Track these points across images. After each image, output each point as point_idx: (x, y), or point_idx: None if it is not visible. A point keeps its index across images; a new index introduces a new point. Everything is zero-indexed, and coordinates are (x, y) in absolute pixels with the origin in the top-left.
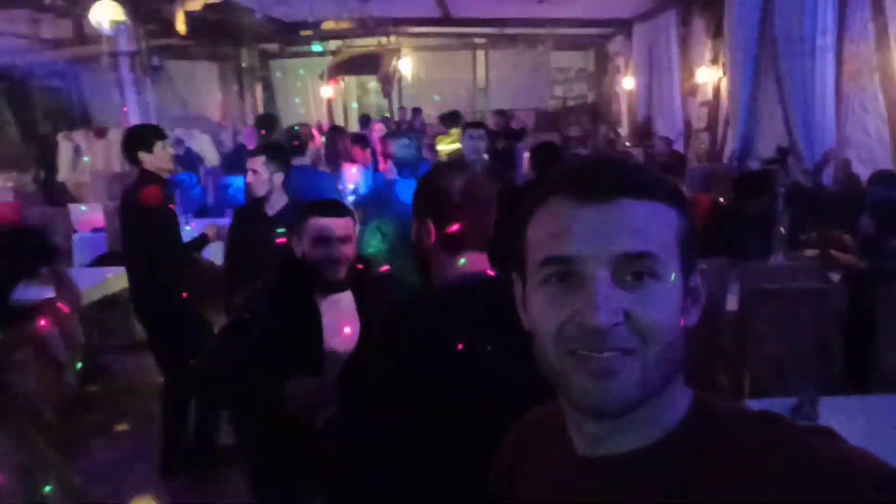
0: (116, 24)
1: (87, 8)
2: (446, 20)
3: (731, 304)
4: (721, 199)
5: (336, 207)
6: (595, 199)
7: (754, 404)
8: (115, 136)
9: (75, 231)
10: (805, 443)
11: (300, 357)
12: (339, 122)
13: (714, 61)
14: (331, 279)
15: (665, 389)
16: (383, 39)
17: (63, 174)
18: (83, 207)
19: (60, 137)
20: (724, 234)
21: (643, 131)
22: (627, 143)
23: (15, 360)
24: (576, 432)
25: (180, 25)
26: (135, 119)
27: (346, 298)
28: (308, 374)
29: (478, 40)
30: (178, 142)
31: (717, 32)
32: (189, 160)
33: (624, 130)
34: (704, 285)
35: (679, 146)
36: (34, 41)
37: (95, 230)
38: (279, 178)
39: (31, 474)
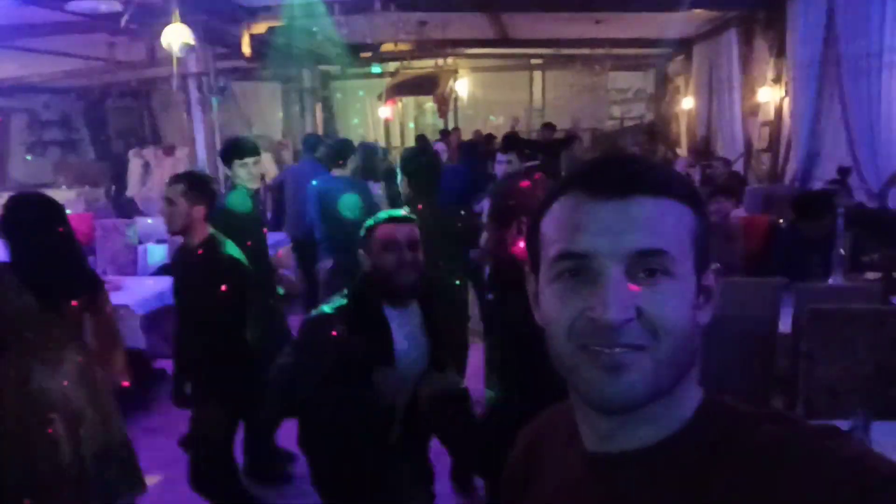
0: (185, 46)
1: (159, 32)
2: (503, 41)
3: (786, 325)
4: (781, 221)
5: (399, 215)
6: (610, 195)
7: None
8: (182, 154)
9: (140, 242)
10: (815, 441)
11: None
12: (396, 142)
13: (776, 80)
14: (403, 285)
15: (676, 387)
16: (440, 61)
17: (132, 189)
18: (149, 220)
19: (131, 154)
20: (782, 256)
21: (701, 151)
22: (682, 162)
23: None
24: (586, 428)
25: (245, 48)
26: (200, 138)
27: (415, 310)
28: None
29: (535, 61)
30: None
31: (779, 51)
32: None
33: (683, 151)
34: (720, 286)
35: (739, 167)
36: (110, 63)
37: (159, 241)
38: (199, 210)
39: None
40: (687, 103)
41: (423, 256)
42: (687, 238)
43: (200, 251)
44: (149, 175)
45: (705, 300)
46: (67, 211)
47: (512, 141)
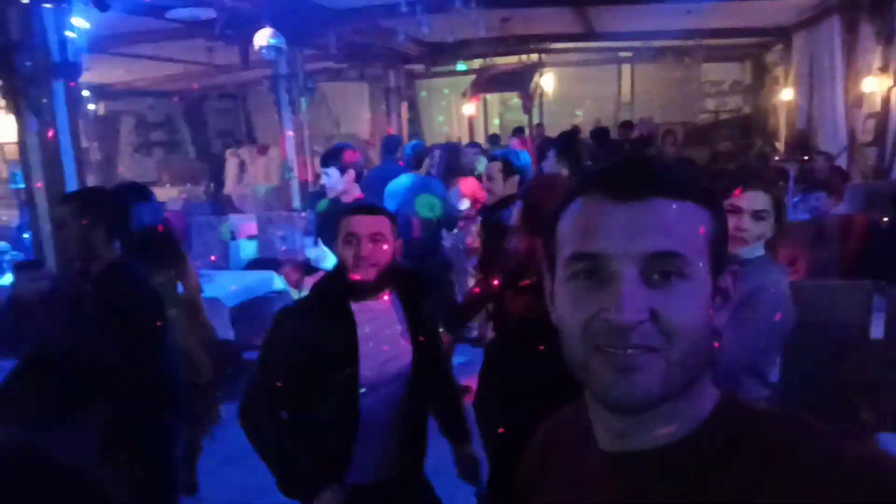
0: (275, 49)
1: (251, 36)
2: (589, 35)
3: (877, 331)
4: (885, 220)
5: (368, 206)
6: (626, 196)
7: (891, 438)
8: (275, 153)
9: (232, 238)
10: (829, 442)
11: (335, 362)
12: (480, 139)
13: (883, 69)
14: (359, 279)
15: (690, 387)
16: (525, 56)
17: (229, 187)
18: (242, 217)
19: (228, 154)
20: (880, 257)
21: (800, 145)
22: (777, 158)
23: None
24: (600, 427)
25: (332, 49)
26: (290, 137)
27: (383, 305)
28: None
29: (623, 54)
30: None
31: (888, 38)
32: None
33: (781, 145)
34: (737, 287)
35: (841, 161)
36: (209, 67)
37: (251, 237)
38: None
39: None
40: (786, 95)
41: (394, 250)
42: (703, 240)
43: (98, 282)
44: (244, 173)
45: (722, 302)
46: (168, 208)
47: (566, 144)
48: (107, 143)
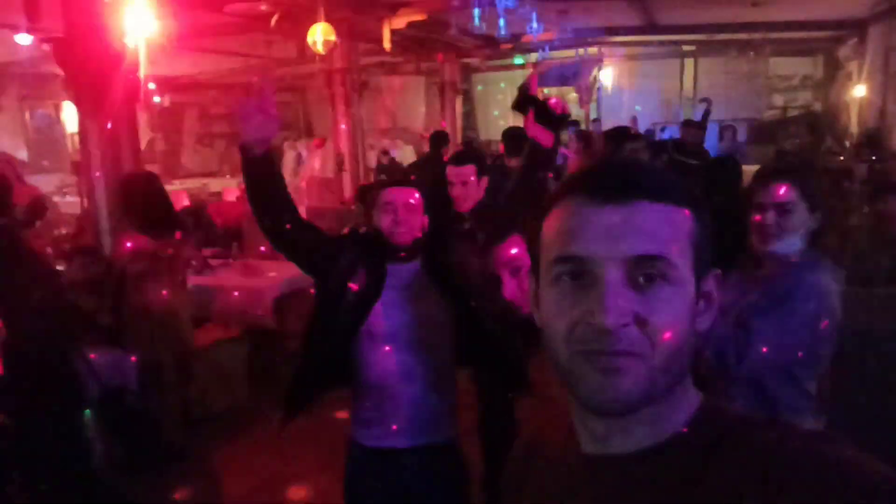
0: (330, 43)
1: (306, 30)
2: (651, 28)
3: None
4: None
5: (402, 179)
6: (610, 199)
7: None
8: (331, 147)
9: None
10: (810, 446)
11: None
12: None
13: None
14: (396, 243)
15: (672, 391)
16: (582, 50)
17: (286, 179)
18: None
19: (286, 146)
20: None
21: (871, 144)
22: (842, 158)
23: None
24: (583, 430)
25: (386, 42)
26: (344, 131)
27: (412, 269)
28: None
29: (686, 47)
30: (385, 152)
31: None
32: (392, 169)
33: (852, 144)
34: (720, 293)
35: None
36: (268, 60)
37: None
38: None
39: None
40: (859, 91)
41: (424, 222)
42: (687, 243)
43: None
44: (301, 166)
45: (705, 306)
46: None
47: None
48: (171, 135)
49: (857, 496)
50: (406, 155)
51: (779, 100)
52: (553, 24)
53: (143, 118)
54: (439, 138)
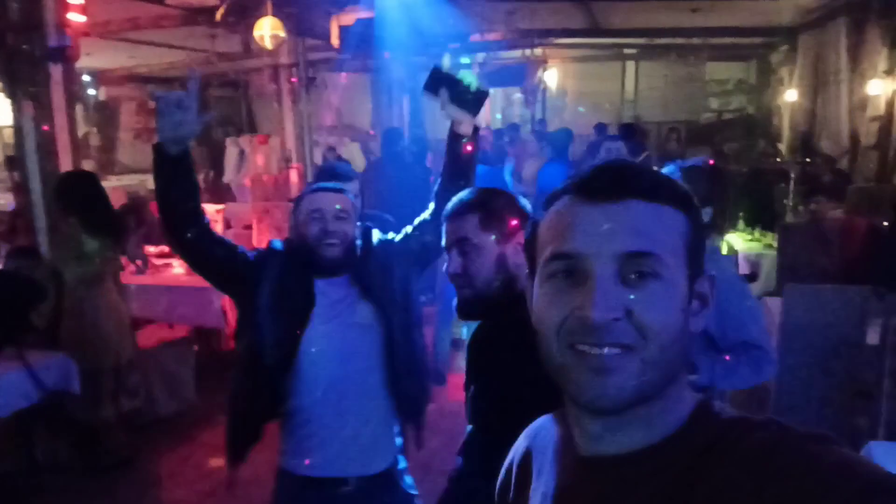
0: (276, 38)
1: (253, 24)
2: (594, 31)
3: (874, 337)
4: (885, 224)
5: (330, 185)
6: (602, 198)
7: (885, 446)
8: (275, 143)
9: (229, 227)
10: (804, 447)
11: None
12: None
13: (889, 72)
14: (325, 256)
15: (665, 391)
16: (528, 51)
17: (228, 175)
18: (238, 206)
19: (228, 142)
20: (881, 262)
21: (803, 147)
22: (778, 160)
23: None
24: (578, 431)
25: (334, 39)
26: (290, 127)
27: (341, 284)
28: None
29: (627, 51)
30: (330, 149)
31: (893, 41)
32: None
33: (784, 146)
34: (713, 292)
35: (844, 164)
36: (211, 54)
37: (246, 227)
38: None
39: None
40: (790, 96)
41: (352, 229)
42: (679, 242)
43: None
44: (244, 162)
45: (699, 306)
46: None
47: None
48: (106, 129)
49: (852, 497)
50: (352, 152)
51: (714, 103)
52: (500, 24)
53: (77, 112)
54: (393, 136)
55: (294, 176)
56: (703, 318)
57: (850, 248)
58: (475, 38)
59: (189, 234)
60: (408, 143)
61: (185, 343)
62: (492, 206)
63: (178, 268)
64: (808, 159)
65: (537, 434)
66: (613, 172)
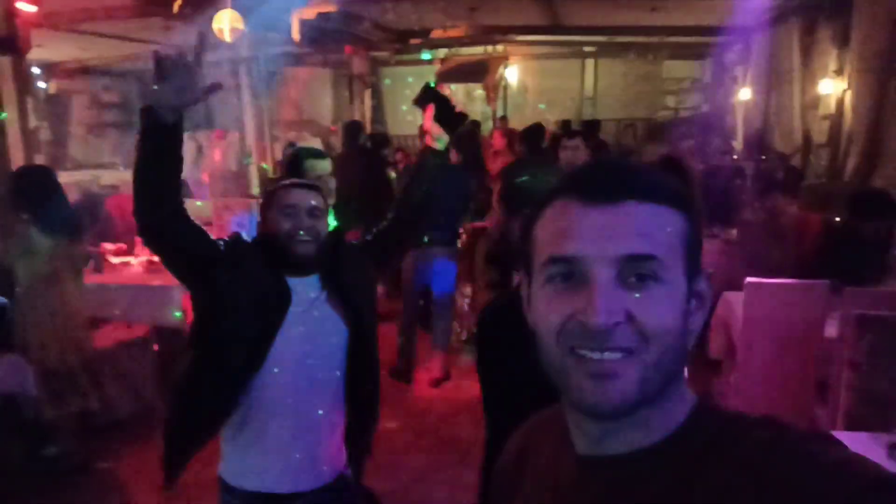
0: (236, 31)
1: (211, 16)
2: (555, 28)
3: (832, 330)
4: (837, 220)
5: (301, 181)
6: (600, 200)
7: (844, 436)
8: (234, 138)
9: None
10: (805, 446)
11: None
12: None
13: (839, 72)
14: (297, 253)
15: (665, 392)
16: (490, 48)
17: (185, 171)
18: (198, 203)
19: (185, 137)
20: (835, 257)
21: (757, 145)
22: (735, 157)
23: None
24: (577, 432)
25: (295, 33)
26: (250, 122)
27: (311, 284)
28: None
29: (587, 48)
30: (291, 145)
31: (843, 42)
32: None
33: (739, 144)
34: (710, 290)
35: (796, 161)
36: (166, 47)
37: (205, 224)
38: None
39: None
40: (744, 94)
41: (325, 227)
42: (678, 243)
43: None
44: (202, 158)
45: (698, 305)
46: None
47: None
48: (57, 124)
49: (852, 495)
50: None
51: (671, 101)
52: (462, 21)
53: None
54: (354, 130)
55: (253, 171)
56: (702, 316)
57: (805, 244)
58: (437, 33)
59: (164, 213)
60: (366, 138)
61: (144, 343)
62: None
63: (136, 266)
64: (762, 157)
65: (534, 430)
66: (611, 173)
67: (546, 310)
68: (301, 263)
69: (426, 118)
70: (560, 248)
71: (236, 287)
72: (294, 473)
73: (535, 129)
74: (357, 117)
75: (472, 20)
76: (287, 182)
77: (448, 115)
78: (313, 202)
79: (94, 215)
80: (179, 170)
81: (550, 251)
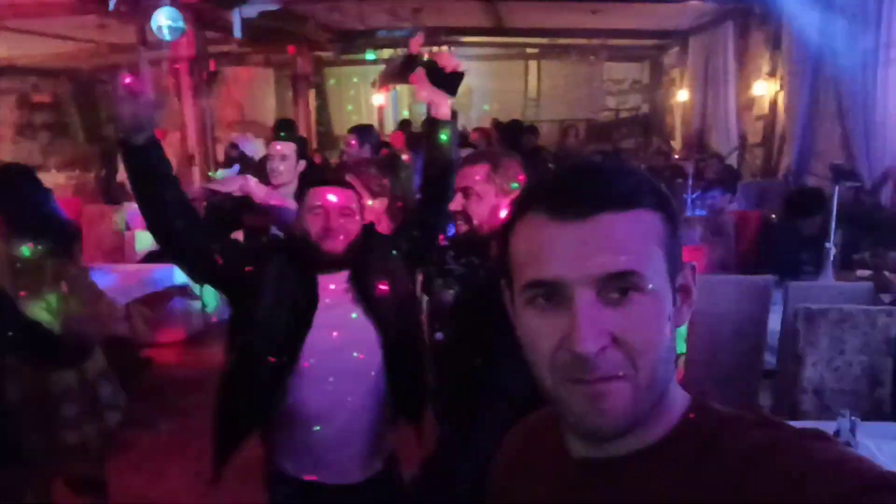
0: (176, 30)
1: (149, 14)
2: (499, 30)
3: (775, 323)
4: (773, 216)
5: (335, 177)
6: (573, 216)
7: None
8: (174, 139)
9: (128, 229)
10: (800, 445)
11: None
12: (390, 129)
13: (772, 74)
14: (325, 251)
15: (660, 398)
16: (435, 48)
17: (122, 174)
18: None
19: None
20: (774, 252)
21: (696, 144)
22: (677, 156)
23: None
24: (571, 438)
25: (237, 32)
26: (192, 123)
27: (341, 280)
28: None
29: (530, 50)
30: (234, 146)
31: (775, 44)
32: (243, 163)
33: (677, 143)
34: (695, 281)
35: (733, 160)
36: (101, 45)
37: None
38: None
39: None
40: (682, 95)
41: (359, 226)
42: (658, 248)
43: None
44: None
45: (682, 300)
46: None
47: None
48: None
49: (851, 494)
50: (257, 149)
51: (612, 102)
52: (406, 21)
53: None
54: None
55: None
56: (689, 309)
57: (746, 239)
58: (382, 34)
59: (177, 227)
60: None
61: None
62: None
63: None
64: (700, 156)
65: (527, 432)
66: (582, 186)
67: (535, 335)
68: (330, 262)
69: (419, 86)
70: (537, 271)
71: (265, 287)
72: (344, 467)
73: (513, 126)
74: (302, 117)
75: (416, 21)
76: (317, 180)
77: (444, 77)
78: (344, 202)
79: None
80: (171, 184)
81: (529, 276)
